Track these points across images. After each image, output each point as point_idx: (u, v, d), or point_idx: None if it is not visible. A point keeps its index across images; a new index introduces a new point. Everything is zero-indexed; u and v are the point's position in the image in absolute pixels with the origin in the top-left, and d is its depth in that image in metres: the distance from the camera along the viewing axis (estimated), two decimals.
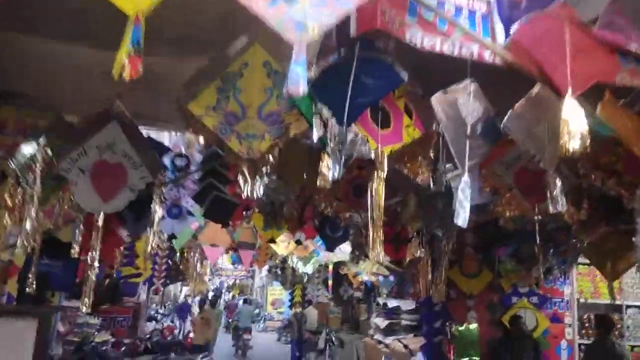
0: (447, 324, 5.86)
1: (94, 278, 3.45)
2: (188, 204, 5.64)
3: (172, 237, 5.62)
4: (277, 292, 21.56)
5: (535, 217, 3.35)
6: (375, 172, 2.65)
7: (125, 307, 9.61)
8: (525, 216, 4.73)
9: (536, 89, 2.62)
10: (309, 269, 11.32)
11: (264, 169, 2.69)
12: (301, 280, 14.52)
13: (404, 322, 8.86)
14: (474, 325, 5.72)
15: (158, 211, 3.93)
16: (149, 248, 3.88)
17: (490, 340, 5.69)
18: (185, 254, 9.65)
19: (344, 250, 9.48)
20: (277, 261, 12.68)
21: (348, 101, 2.23)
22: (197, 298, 19.82)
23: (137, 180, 3.74)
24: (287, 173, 3.97)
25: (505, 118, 2.50)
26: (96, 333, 6.59)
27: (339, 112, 2.29)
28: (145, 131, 5.26)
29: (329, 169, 2.50)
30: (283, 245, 9.93)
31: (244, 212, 5.88)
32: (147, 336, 8.00)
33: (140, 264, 11.10)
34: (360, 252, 4.92)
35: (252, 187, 2.67)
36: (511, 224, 5.13)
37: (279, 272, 14.32)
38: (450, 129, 2.35)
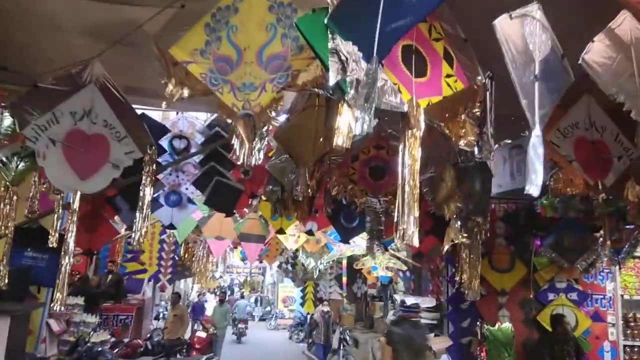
0: (477, 323, 5.26)
1: (67, 270, 2.88)
2: (188, 191, 5.11)
3: (170, 227, 5.07)
4: (289, 289, 21.02)
5: (600, 196, 2.72)
6: (408, 131, 2.06)
7: (128, 304, 9.13)
8: (573, 199, 4.12)
9: (620, 18, 2.03)
10: (322, 265, 10.72)
11: (264, 129, 2.10)
12: (312, 276, 13.95)
13: (423, 321, 8.25)
14: (507, 325, 5.12)
15: (148, 194, 3.37)
16: (137, 236, 3.28)
17: (527, 341, 5.09)
18: (190, 248, 9.14)
19: (359, 243, 8.89)
20: (287, 257, 12.13)
21: (379, 26, 1.65)
22: (213, 295, 19.39)
23: (121, 155, 3.20)
24: (295, 146, 3.37)
25: (584, 54, 1.90)
26: (92, 333, 6.06)
27: (366, 42, 1.72)
28: (138, 111, 4.77)
29: (350, 124, 1.92)
30: (292, 239, 9.38)
31: (249, 200, 5.31)
32: (148, 336, 7.49)
33: (145, 259, 10.67)
34: (378, 243, 4.31)
35: (249, 152, 2.09)
36: (550, 211, 4.52)
37: (290, 268, 13.77)
38: (518, 66, 1.75)
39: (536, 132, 1.73)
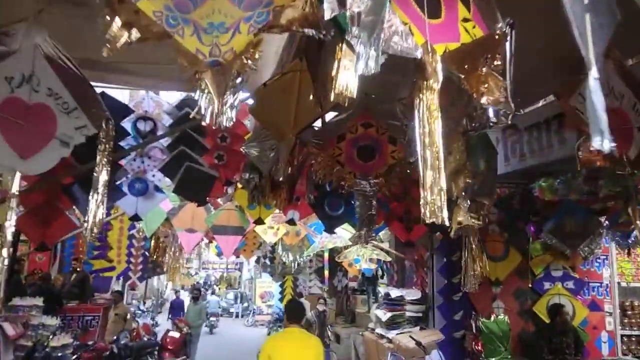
0: (472, 316, 4.94)
1: (5, 265, 2.39)
2: (155, 178, 4.61)
3: (135, 218, 4.56)
4: (267, 284, 20.53)
5: (627, 170, 2.38)
6: (423, 83, 1.66)
7: (95, 304, 8.53)
8: (574, 179, 3.81)
9: None
10: (302, 259, 10.29)
11: (238, 80, 1.66)
12: (291, 270, 13.53)
13: (408, 314, 7.95)
14: (502, 317, 4.82)
15: (103, 177, 2.88)
16: (90, 225, 2.80)
17: (523, 333, 4.80)
18: (162, 243, 8.59)
19: (341, 234, 8.51)
20: (265, 251, 11.66)
21: None
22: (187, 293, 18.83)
23: (70, 130, 2.70)
24: (274, 118, 2.93)
25: None
26: (52, 336, 5.50)
27: None
28: (97, 89, 4.26)
29: (350, 69, 1.50)
30: (271, 231, 8.94)
31: (224, 187, 4.85)
32: (114, 338, 6.95)
33: (113, 256, 10.05)
34: (368, 230, 3.91)
35: (219, 110, 1.65)
36: (549, 193, 4.21)
37: (268, 262, 13.31)
38: None
39: (593, 74, 1.35)
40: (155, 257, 8.94)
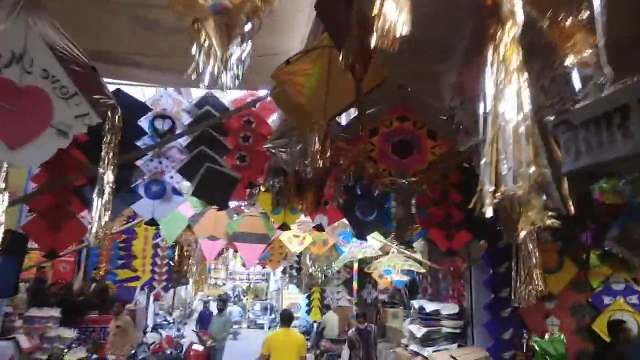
0: (524, 334, 4.40)
1: None
2: (173, 180, 4.29)
3: (152, 223, 4.24)
4: (294, 296, 20.09)
5: None
6: (499, 29, 1.23)
7: None
8: None
9: None
10: (332, 270, 9.84)
11: (248, 28, 1.27)
12: (319, 282, 13.09)
13: (445, 330, 7.39)
14: (559, 336, 4.28)
15: (109, 173, 2.54)
16: (95, 229, 2.45)
17: (580, 354, 4.24)
18: (187, 252, 8.29)
19: (371, 244, 8.05)
20: (292, 262, 11.26)
21: None
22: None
23: (69, 119, 2.37)
24: (300, 101, 2.52)
25: None
26: (67, 350, 5.22)
27: None
28: (112, 87, 3.98)
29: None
30: (297, 240, 8.56)
31: (247, 190, 4.49)
32: (133, 352, 6.63)
33: (138, 266, 9.84)
34: (404, 236, 3.46)
35: (221, 65, 1.27)
36: (613, 196, 3.67)
37: (295, 273, 12.90)
38: None
39: None
40: (179, 266, 8.64)
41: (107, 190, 2.52)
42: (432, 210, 4.57)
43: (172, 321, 16.08)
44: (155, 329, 11.90)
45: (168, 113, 4.32)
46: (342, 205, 4.41)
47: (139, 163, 4.17)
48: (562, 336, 4.30)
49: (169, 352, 8.36)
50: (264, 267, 14.70)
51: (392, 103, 3.52)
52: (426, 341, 7.28)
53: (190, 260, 8.16)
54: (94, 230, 2.43)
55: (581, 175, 4.45)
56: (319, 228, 4.55)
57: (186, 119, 4.38)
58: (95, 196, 2.51)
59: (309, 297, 13.75)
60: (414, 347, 7.52)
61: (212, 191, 4.27)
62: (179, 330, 12.77)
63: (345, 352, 9.08)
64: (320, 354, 10.59)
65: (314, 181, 4.27)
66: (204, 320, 10.74)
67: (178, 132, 4.32)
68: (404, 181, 3.47)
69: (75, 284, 9.21)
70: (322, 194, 4.54)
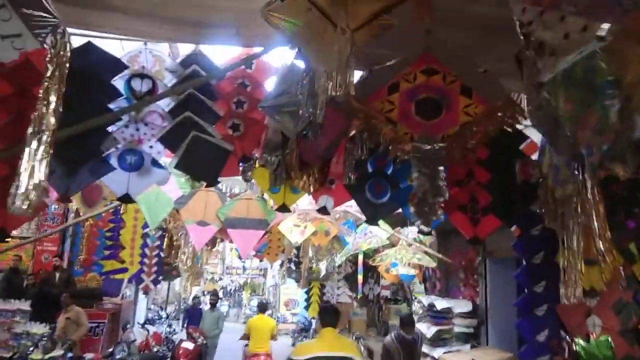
0: (563, 336, 3.78)
1: None
2: (153, 150, 3.64)
3: (125, 199, 3.59)
4: (291, 290, 19.47)
5: None
6: None
7: (101, 309, 7.64)
8: None
9: None
10: (337, 262, 9.18)
11: None
12: (319, 276, 12.44)
13: (456, 329, 6.80)
14: (605, 338, 3.66)
15: (50, 113, 1.90)
16: (22, 189, 1.81)
17: (627, 358, 3.63)
18: (175, 241, 7.64)
19: (376, 233, 7.42)
20: (292, 254, 10.61)
21: None
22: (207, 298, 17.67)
23: None
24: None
25: None
26: (32, 348, 4.58)
27: None
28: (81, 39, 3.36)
29: None
30: (297, 230, 7.92)
31: (239, 164, 3.85)
32: (109, 351, 5.96)
33: (125, 256, 9.19)
34: (430, 213, 2.80)
35: None
36: None
37: (293, 267, 12.26)
38: None
39: None
40: (169, 257, 7.98)
41: (45, 139, 1.88)
42: (454, 191, 3.91)
43: (164, 316, 15.42)
44: (145, 324, 11.26)
45: (147, 72, 3.66)
46: (351, 183, 3.76)
47: (111, 129, 3.51)
48: (609, 338, 3.69)
49: (155, 349, 7.72)
50: (261, 260, 14.06)
51: (416, 52, 2.88)
52: (436, 341, 6.69)
53: (180, 250, 7.49)
54: (20, 190, 1.79)
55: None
56: (323, 211, 3.90)
57: (169, 80, 3.72)
58: (27, 144, 1.87)
59: (307, 292, 13.12)
60: (422, 348, 6.90)
61: (199, 164, 3.62)
62: (170, 325, 12.10)
63: None
64: None
65: (319, 153, 3.63)
66: (192, 316, 10.00)
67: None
68: (430, 146, 2.83)
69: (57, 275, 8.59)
70: (328, 171, 3.90)
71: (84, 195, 6.40)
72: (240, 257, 16.68)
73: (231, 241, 10.33)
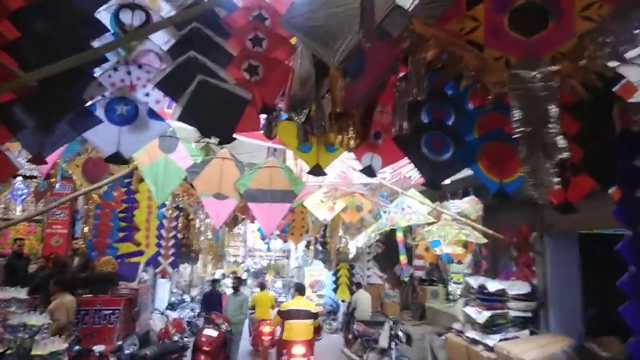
0: None
1: None
2: (150, 98, 2.87)
3: (115, 159, 2.81)
4: (317, 272, 18.78)
5: None
6: None
7: (115, 295, 7.04)
8: None
9: None
10: (371, 238, 8.35)
11: None
12: (347, 257, 11.70)
13: (512, 313, 5.97)
14: None
15: None
16: None
17: None
18: (191, 220, 6.92)
19: (416, 209, 6.58)
20: (318, 233, 9.85)
21: None
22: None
23: None
24: None
25: None
26: (29, 340, 3.94)
27: None
28: None
29: None
30: (325, 206, 7.15)
31: (259, 117, 3.05)
32: (118, 345, 5.30)
33: (141, 238, 8.60)
34: (544, 180, 1.94)
35: None
36: None
37: (320, 247, 11.52)
38: None
39: None
40: (184, 238, 7.29)
41: None
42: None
43: (188, 300, 14.87)
44: (167, 309, 10.70)
45: (139, 1, 2.87)
46: (402, 137, 2.92)
47: (96, 72, 2.75)
48: None
49: (176, 338, 7.11)
50: (285, 241, 13.36)
51: None
52: (489, 327, 5.87)
53: (196, 229, 6.78)
54: None
55: None
56: (369, 171, 3.08)
57: (167, 12, 2.94)
58: None
59: (335, 274, 12.41)
60: (471, 334, 6.10)
61: (207, 116, 2.84)
62: (192, 309, 11.55)
63: (384, 336, 7.69)
64: (354, 337, 9.24)
65: (359, 97, 2.80)
66: (211, 301, 9.18)
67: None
68: (536, 73, 1.97)
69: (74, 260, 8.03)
70: (371, 121, 3.07)
71: (87, 170, 5.74)
72: (263, 238, 15.99)
73: (253, 220, 9.65)
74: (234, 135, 2.95)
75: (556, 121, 2.01)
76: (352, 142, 2.97)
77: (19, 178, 8.23)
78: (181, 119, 2.82)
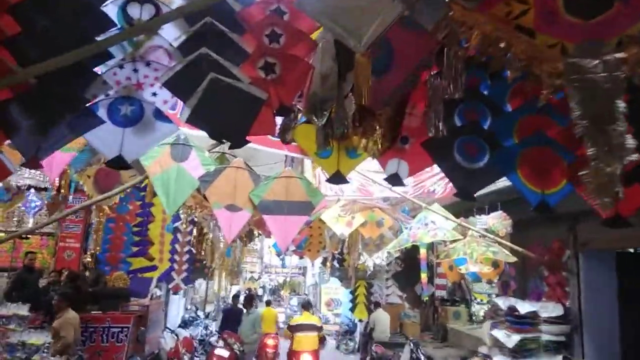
0: None
1: None
2: (157, 98, 2.64)
3: (117, 163, 2.58)
4: (333, 290, 18.36)
5: None
6: None
7: (125, 312, 6.80)
8: None
9: None
10: (389, 253, 8.02)
11: None
12: (365, 275, 11.32)
13: (544, 337, 5.55)
14: None
15: None
16: None
17: None
18: (205, 234, 6.68)
19: (441, 225, 6.23)
20: (336, 249, 9.51)
21: None
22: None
23: None
24: None
25: None
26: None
27: None
28: None
29: None
30: (343, 221, 6.85)
31: (275, 119, 2.80)
32: None
33: (155, 253, 8.41)
34: (609, 188, 1.64)
35: None
36: None
37: (337, 264, 11.17)
38: None
39: None
40: (197, 253, 7.04)
41: None
42: (582, 152, 2.75)
43: (202, 316, 14.54)
44: (178, 327, 10.40)
45: None
46: (432, 142, 2.63)
47: (100, 69, 2.54)
48: None
49: (186, 357, 6.82)
50: (301, 258, 13.03)
51: None
52: (519, 352, 5.46)
53: (208, 244, 6.52)
54: None
55: None
56: (394, 180, 2.79)
57: (177, 4, 2.72)
58: None
59: (352, 292, 12.01)
60: (500, 359, 5.68)
61: (219, 117, 2.59)
62: (206, 327, 11.24)
63: (404, 358, 7.29)
64: (372, 359, 8.85)
65: (386, 96, 2.53)
66: (230, 318, 8.92)
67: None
68: (598, 61, 1.69)
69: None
70: (400, 123, 2.80)
71: (98, 181, 5.55)
72: (278, 254, 15.69)
73: (269, 235, 9.37)
74: (247, 139, 2.70)
75: (623, 118, 1.72)
76: (377, 147, 2.69)
77: (32, 190, 8.14)
78: (190, 120, 2.58)
